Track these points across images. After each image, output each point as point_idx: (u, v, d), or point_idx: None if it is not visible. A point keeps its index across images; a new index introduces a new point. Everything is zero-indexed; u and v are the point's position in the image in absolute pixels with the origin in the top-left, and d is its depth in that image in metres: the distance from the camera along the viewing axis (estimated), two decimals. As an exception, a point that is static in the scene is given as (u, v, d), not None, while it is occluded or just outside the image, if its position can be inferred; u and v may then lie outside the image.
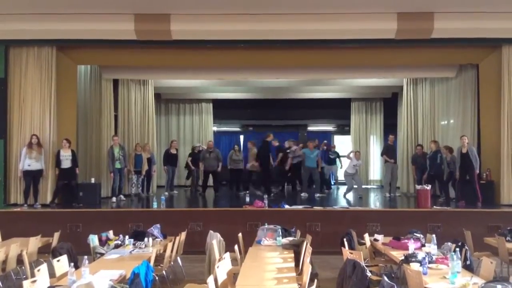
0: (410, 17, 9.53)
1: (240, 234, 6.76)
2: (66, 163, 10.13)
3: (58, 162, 10.14)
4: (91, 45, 10.55)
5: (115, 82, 12.91)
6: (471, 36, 9.90)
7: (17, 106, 10.37)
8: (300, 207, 9.80)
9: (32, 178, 9.99)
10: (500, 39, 10.13)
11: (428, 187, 9.95)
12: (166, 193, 12.31)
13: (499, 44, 10.40)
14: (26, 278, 4.83)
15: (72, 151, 10.26)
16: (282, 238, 6.43)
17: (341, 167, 14.79)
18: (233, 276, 5.12)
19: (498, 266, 6.26)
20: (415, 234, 6.51)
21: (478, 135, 11.03)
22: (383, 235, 6.85)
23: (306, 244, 5.88)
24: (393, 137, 13.08)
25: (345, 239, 6.57)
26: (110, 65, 11.91)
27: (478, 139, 10.97)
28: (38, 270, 4.54)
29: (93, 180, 10.83)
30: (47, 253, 6.71)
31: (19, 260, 6.12)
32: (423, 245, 6.11)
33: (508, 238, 6.60)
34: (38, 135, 10.14)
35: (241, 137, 17.48)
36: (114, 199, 11.16)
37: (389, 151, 12.76)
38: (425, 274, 4.66)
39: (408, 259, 5.18)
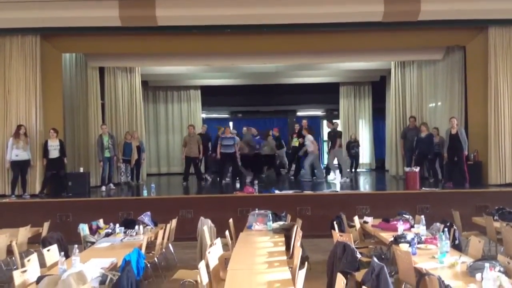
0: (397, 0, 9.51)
1: (231, 220, 6.78)
2: (53, 153, 10.04)
3: (45, 152, 10.05)
4: (75, 33, 10.37)
5: (101, 70, 12.75)
6: (458, 17, 9.92)
7: (2, 96, 10.22)
8: (290, 192, 9.84)
9: (20, 168, 9.90)
10: (487, 20, 10.16)
11: (417, 169, 10.03)
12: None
13: (486, 26, 10.44)
14: (16, 269, 4.79)
15: (60, 140, 10.16)
16: (273, 222, 6.46)
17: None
18: (224, 261, 5.14)
19: (486, 245, 6.36)
20: (404, 215, 6.57)
21: (465, 116, 11.13)
22: (372, 218, 6.93)
23: (297, 228, 5.92)
24: (329, 123, 13.19)
25: (335, 222, 6.63)
26: (95, 53, 11.72)
27: (466, 121, 11.06)
28: (28, 260, 4.52)
29: (82, 170, 10.77)
30: (37, 243, 6.67)
31: (9, 251, 6.10)
32: (412, 226, 6.17)
33: (495, 217, 6.70)
34: (24, 125, 10.02)
35: (230, 123, 17.42)
36: (103, 188, 11.12)
37: (330, 138, 12.79)
38: (414, 254, 4.71)
39: (397, 240, 5.23)
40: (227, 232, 6.10)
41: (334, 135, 12.59)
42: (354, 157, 14.61)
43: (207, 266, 4.58)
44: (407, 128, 12.28)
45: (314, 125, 15.70)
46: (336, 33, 10.68)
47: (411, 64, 13.47)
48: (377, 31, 10.62)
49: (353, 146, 14.49)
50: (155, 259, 6.22)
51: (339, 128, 13.98)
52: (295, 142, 13.00)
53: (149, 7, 9.45)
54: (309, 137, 12.31)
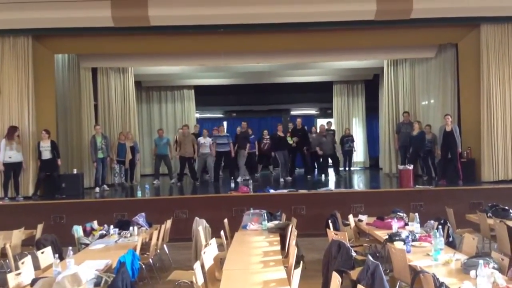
0: (389, -2, 9.55)
1: (225, 220, 6.78)
2: (46, 154, 9.99)
3: (38, 153, 10.00)
4: (67, 33, 10.32)
5: (94, 71, 12.68)
6: (450, 15, 9.96)
7: (-6, 98, 10.17)
8: (285, 191, 9.85)
9: (13, 170, 9.84)
10: (479, 17, 10.21)
11: (410, 167, 10.07)
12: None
13: (478, 23, 10.49)
14: (10, 271, 4.77)
15: (52, 141, 10.11)
16: (268, 222, 6.46)
17: None
18: (220, 261, 5.13)
19: (480, 242, 6.39)
20: (398, 213, 6.59)
21: (458, 114, 11.17)
22: (367, 216, 6.95)
23: (292, 227, 5.92)
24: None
25: (330, 221, 6.64)
26: (88, 54, 11.66)
27: (458, 118, 11.11)
28: (23, 263, 4.50)
29: (75, 171, 10.71)
30: (31, 245, 6.64)
31: (3, 254, 6.06)
32: (406, 224, 6.19)
33: (489, 214, 6.73)
34: (17, 126, 9.96)
35: (224, 123, 17.41)
36: (97, 189, 11.06)
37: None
38: (408, 252, 4.73)
39: (392, 238, 5.25)
40: (222, 232, 6.10)
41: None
42: (347, 153, 14.26)
43: (202, 266, 4.58)
44: (401, 123, 12.34)
45: (308, 124, 15.71)
46: (329, 32, 10.68)
47: (404, 62, 13.51)
48: (369, 30, 10.63)
49: (347, 140, 14.16)
50: (150, 260, 6.20)
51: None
52: (290, 141, 12.99)
53: (142, 7, 9.41)
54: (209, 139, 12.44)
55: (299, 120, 13.46)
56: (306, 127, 13.92)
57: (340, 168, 13.74)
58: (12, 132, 9.79)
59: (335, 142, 13.10)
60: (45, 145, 10.00)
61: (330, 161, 13.53)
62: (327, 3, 9.55)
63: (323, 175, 12.94)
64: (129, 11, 9.49)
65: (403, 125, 12.11)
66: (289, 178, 12.14)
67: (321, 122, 17.40)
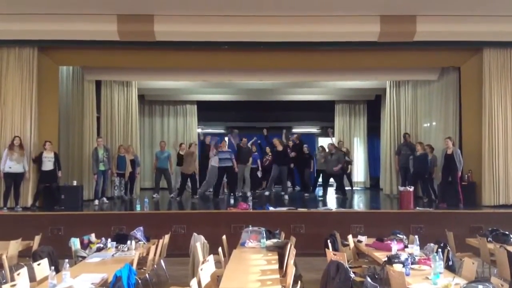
0: (393, 20, 9.62)
1: (224, 237, 6.73)
2: (48, 165, 10.01)
3: (40, 164, 9.99)
4: (73, 46, 10.43)
5: (98, 84, 12.73)
6: (453, 39, 10.06)
7: (-3, 108, 10.21)
8: (284, 209, 9.81)
9: (13, 180, 9.83)
10: (482, 42, 10.30)
11: (411, 188, 10.04)
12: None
13: (481, 47, 10.56)
14: (6, 282, 4.74)
15: (54, 153, 10.15)
16: (266, 240, 6.42)
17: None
18: (217, 278, 5.09)
19: (480, 266, 6.33)
20: (398, 235, 6.56)
21: (459, 137, 11.18)
22: (366, 237, 6.91)
23: (290, 246, 5.88)
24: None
25: (329, 241, 6.60)
26: (92, 66, 11.73)
27: (460, 141, 11.11)
28: (18, 274, 4.47)
29: (75, 183, 10.69)
30: (27, 256, 6.59)
31: (-1, 264, 6.02)
32: (406, 246, 6.16)
33: (489, 239, 6.69)
34: (20, 136, 9.98)
35: (226, 138, 17.41)
36: (96, 201, 11.03)
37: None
38: (407, 275, 4.69)
39: (391, 260, 5.21)
40: (220, 249, 6.06)
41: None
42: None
43: (199, 283, 4.54)
44: (401, 145, 12.36)
45: (309, 142, 15.71)
46: (333, 52, 10.77)
47: (406, 83, 13.57)
48: (373, 51, 10.72)
49: None
50: (147, 275, 6.15)
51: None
52: None
53: (148, 22, 9.51)
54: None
55: (295, 135, 13.46)
56: (304, 144, 13.92)
57: (347, 188, 13.53)
58: (12, 142, 9.80)
59: (341, 161, 12.73)
60: (49, 156, 10.02)
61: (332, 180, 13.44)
62: (331, 24, 9.63)
63: (323, 194, 12.88)
64: (135, 26, 9.59)
65: (403, 147, 12.13)
66: (286, 197, 11.95)
67: (322, 141, 17.47)
